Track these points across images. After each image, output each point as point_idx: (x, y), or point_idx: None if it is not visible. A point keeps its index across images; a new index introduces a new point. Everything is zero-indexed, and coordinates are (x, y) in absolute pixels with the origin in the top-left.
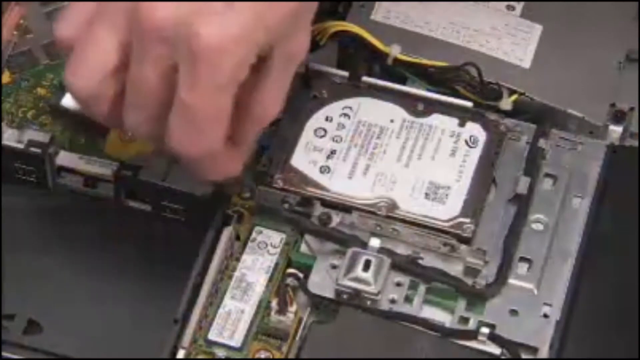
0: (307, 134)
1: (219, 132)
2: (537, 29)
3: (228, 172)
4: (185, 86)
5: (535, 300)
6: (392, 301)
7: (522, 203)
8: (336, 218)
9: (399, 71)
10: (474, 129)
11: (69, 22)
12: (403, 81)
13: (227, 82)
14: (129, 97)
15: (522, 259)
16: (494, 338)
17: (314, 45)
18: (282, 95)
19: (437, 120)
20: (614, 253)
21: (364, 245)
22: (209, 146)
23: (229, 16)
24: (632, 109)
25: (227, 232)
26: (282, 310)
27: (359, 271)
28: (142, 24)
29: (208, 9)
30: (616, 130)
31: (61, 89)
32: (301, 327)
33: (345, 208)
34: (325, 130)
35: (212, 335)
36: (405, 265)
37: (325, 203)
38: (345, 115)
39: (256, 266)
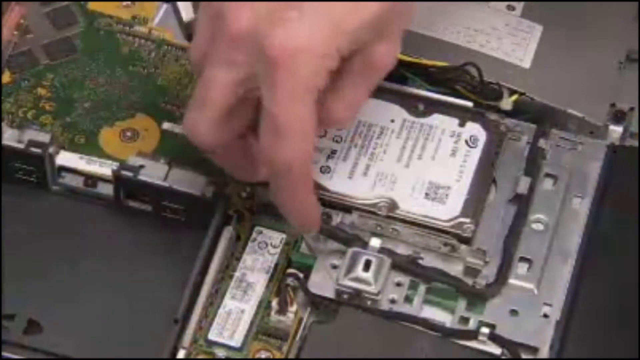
0: None
1: (303, 141)
2: (538, 29)
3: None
4: (266, 94)
5: (535, 300)
6: (392, 301)
7: (522, 203)
8: (336, 218)
9: (399, 71)
10: (474, 129)
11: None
12: (403, 81)
13: (305, 88)
14: (196, 93)
15: (522, 259)
16: (494, 338)
17: None
18: (354, 104)
19: (438, 120)
20: (614, 253)
21: (364, 245)
22: (295, 155)
23: (303, 23)
24: (632, 109)
25: (227, 232)
26: (282, 310)
27: (359, 271)
28: (224, 30)
29: (282, 16)
30: (616, 130)
31: None
32: (301, 327)
33: (345, 208)
34: (325, 130)
35: (213, 335)
36: (406, 265)
37: (325, 203)
38: None
39: (256, 266)
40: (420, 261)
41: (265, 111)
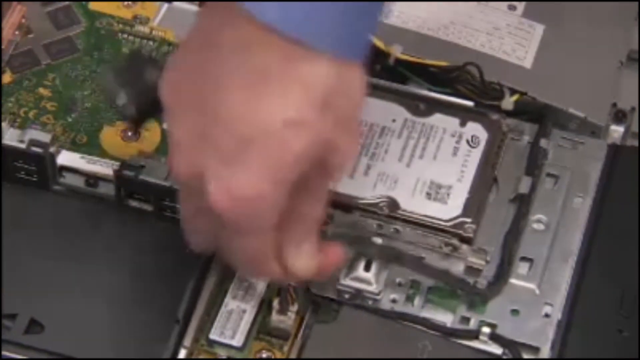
0: None
1: (267, 264)
2: (539, 28)
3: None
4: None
5: (536, 300)
6: (394, 301)
7: (523, 203)
8: (338, 218)
9: (400, 71)
10: (475, 129)
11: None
12: (404, 81)
13: (257, 232)
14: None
15: (524, 259)
16: (495, 338)
17: None
18: (323, 198)
19: (439, 120)
20: (615, 253)
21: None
22: (269, 274)
23: (237, 183)
24: (633, 108)
25: None
26: (283, 310)
27: (360, 271)
28: (173, 174)
29: (213, 174)
30: (617, 130)
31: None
32: (302, 326)
33: (346, 208)
34: None
35: (214, 335)
36: (411, 263)
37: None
38: None
39: None
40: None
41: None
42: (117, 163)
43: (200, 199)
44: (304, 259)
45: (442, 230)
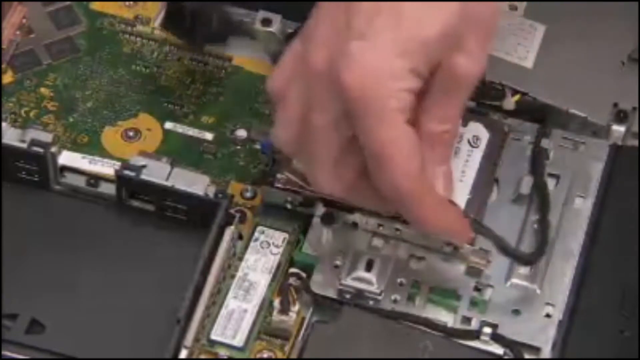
0: None
1: (403, 163)
2: (540, 28)
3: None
4: (356, 127)
5: (537, 300)
6: (395, 301)
7: (523, 203)
8: (339, 218)
9: None
10: (476, 129)
11: (274, 79)
12: None
13: (387, 112)
14: (309, 148)
15: None
16: (496, 338)
17: None
18: (445, 119)
19: None
20: (616, 253)
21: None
22: (400, 178)
23: (368, 50)
24: (634, 108)
25: (229, 232)
26: (284, 310)
27: (361, 271)
28: (307, 69)
29: (347, 47)
30: (619, 130)
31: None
32: (304, 327)
33: (347, 208)
34: None
35: (215, 335)
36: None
37: (327, 203)
38: None
39: (259, 266)
40: (421, 261)
41: (362, 145)
42: (118, 163)
43: (333, 104)
44: (441, 181)
45: None
